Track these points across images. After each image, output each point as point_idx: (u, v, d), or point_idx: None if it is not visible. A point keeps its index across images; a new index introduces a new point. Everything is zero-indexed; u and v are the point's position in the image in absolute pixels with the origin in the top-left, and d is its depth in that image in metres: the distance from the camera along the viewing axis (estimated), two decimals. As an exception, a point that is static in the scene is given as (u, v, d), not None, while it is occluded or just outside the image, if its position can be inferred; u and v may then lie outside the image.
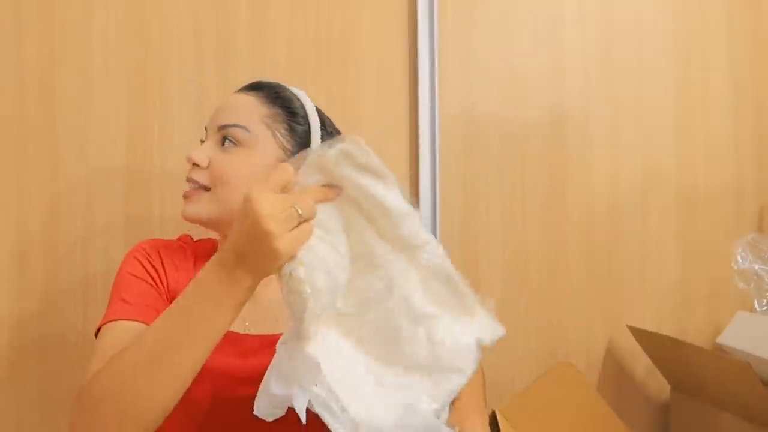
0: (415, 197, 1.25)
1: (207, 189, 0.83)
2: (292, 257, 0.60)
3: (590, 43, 1.35)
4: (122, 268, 0.83)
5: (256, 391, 0.64)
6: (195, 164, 0.84)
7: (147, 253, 0.84)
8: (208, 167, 0.83)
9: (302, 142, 0.88)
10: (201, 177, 0.84)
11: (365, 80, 1.25)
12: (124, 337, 0.71)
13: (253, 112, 0.85)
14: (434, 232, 1.24)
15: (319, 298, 0.61)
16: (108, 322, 0.76)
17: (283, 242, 0.59)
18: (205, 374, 0.68)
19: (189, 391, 0.65)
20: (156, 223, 1.14)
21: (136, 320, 0.75)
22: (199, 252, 0.91)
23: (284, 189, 0.62)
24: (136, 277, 0.81)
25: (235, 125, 0.84)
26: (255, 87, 0.89)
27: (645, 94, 1.38)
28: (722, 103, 1.41)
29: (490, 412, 1.13)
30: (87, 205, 1.12)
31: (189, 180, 0.84)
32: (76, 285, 1.11)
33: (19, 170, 1.10)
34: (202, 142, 0.88)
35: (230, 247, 0.62)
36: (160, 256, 0.85)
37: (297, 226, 0.60)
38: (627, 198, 1.36)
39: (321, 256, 0.62)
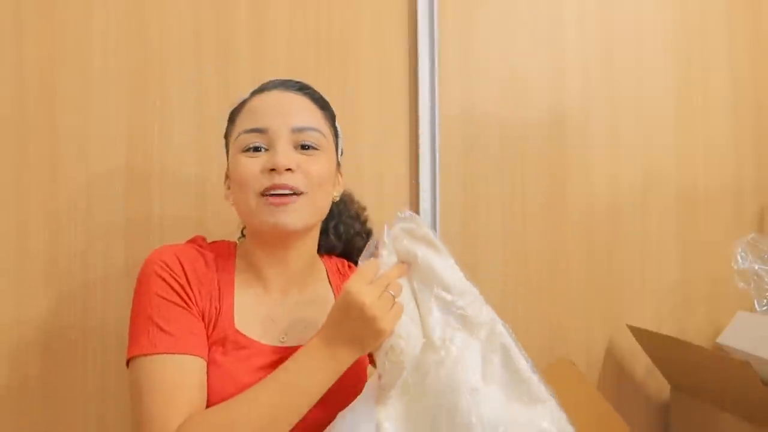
0: (415, 197, 1.25)
1: (298, 194, 0.80)
2: (392, 332, 0.72)
3: (590, 43, 1.35)
4: (147, 286, 0.78)
5: None
6: (288, 169, 0.79)
7: (170, 270, 0.79)
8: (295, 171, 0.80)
9: (337, 143, 0.90)
10: (296, 182, 0.80)
11: (365, 80, 1.25)
12: (181, 374, 0.74)
13: (317, 114, 0.85)
14: (434, 233, 1.24)
15: (409, 367, 0.72)
16: (152, 354, 0.74)
17: (386, 322, 0.71)
18: (244, 388, 0.72)
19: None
20: (156, 223, 1.14)
21: (184, 353, 0.74)
22: (219, 257, 0.86)
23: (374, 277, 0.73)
24: (168, 300, 0.77)
25: (314, 129, 0.82)
26: (302, 87, 0.86)
27: (645, 94, 1.38)
28: (722, 103, 1.41)
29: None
30: (87, 205, 1.12)
31: (282, 186, 0.79)
32: (76, 285, 1.11)
33: (19, 170, 1.10)
34: (257, 149, 0.81)
35: (337, 333, 0.73)
36: (184, 272, 0.80)
37: (392, 306, 0.72)
38: (627, 198, 1.36)
39: (407, 329, 0.72)
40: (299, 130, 0.81)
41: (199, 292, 0.80)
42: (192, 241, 0.90)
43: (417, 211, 1.24)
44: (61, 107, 1.12)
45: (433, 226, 1.24)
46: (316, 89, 0.89)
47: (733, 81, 1.42)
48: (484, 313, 0.77)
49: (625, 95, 1.37)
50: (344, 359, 0.73)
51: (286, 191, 0.79)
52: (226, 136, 0.89)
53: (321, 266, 0.95)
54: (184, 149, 1.16)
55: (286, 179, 0.79)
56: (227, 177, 0.90)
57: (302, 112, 0.83)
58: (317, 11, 1.23)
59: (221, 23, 1.19)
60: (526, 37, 1.33)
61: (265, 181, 0.79)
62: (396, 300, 0.73)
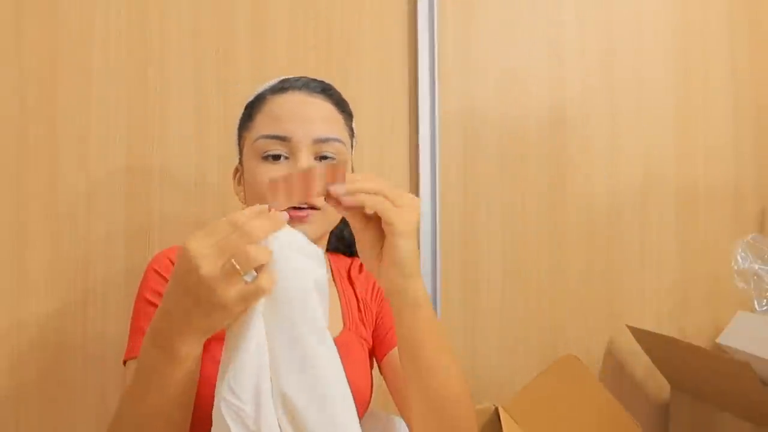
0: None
1: (316, 208, 0.78)
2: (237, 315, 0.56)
3: (590, 43, 1.35)
4: (140, 292, 0.81)
5: None
6: None
7: (161, 274, 0.81)
8: None
9: (353, 143, 0.89)
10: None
11: (365, 80, 1.25)
12: None
13: (338, 121, 0.84)
14: (434, 233, 1.24)
15: None
16: (133, 357, 0.77)
17: (227, 298, 0.53)
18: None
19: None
20: (156, 224, 1.14)
21: None
22: None
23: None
24: (154, 304, 0.79)
25: (336, 139, 0.80)
26: (325, 89, 0.84)
27: (645, 94, 1.38)
28: (722, 103, 1.41)
29: (492, 408, 1.13)
30: (87, 205, 1.12)
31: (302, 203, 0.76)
32: (76, 285, 1.11)
33: (18, 172, 1.10)
34: (277, 157, 0.79)
35: (162, 316, 0.57)
36: None
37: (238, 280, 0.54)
38: (627, 198, 1.36)
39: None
40: (322, 140, 0.79)
41: None
42: None
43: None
44: (61, 107, 1.12)
45: (433, 226, 1.24)
46: (335, 88, 0.87)
47: (734, 81, 1.42)
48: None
49: (625, 95, 1.37)
50: (180, 350, 0.57)
51: (304, 206, 0.78)
52: (241, 128, 0.87)
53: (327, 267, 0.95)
54: (184, 150, 1.16)
55: None
56: (238, 171, 0.89)
57: (325, 120, 0.81)
58: (317, 11, 1.23)
59: (221, 23, 1.19)
60: (526, 37, 1.33)
61: None
62: (244, 276, 0.54)
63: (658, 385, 1.34)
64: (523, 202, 1.31)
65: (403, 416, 0.83)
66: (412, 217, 0.62)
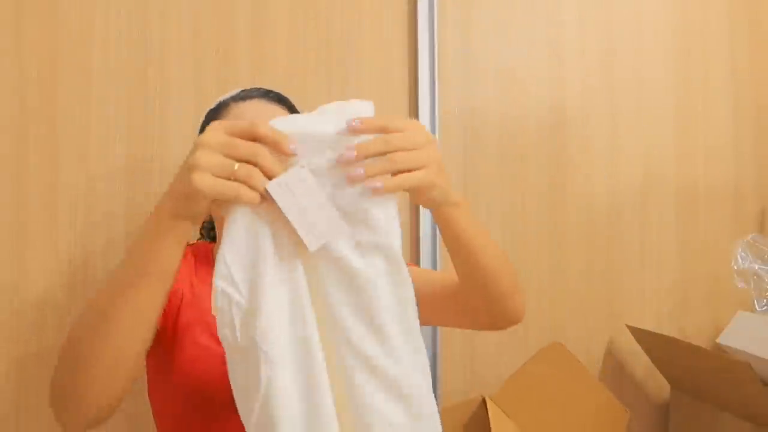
0: (415, 197, 1.25)
1: None
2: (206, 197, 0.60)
3: (590, 43, 1.35)
4: None
5: None
6: None
7: None
8: None
9: None
10: None
11: (365, 80, 1.25)
12: None
13: None
14: (434, 234, 1.24)
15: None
16: None
17: (201, 179, 0.59)
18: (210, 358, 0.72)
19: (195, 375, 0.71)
20: (156, 223, 1.14)
21: None
22: (197, 256, 0.90)
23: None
24: None
25: None
26: (281, 99, 0.91)
27: (645, 94, 1.38)
28: (722, 103, 1.41)
29: (480, 399, 1.13)
30: (87, 205, 1.12)
31: None
32: (76, 285, 1.11)
33: (19, 172, 1.10)
34: None
35: (145, 226, 0.64)
36: None
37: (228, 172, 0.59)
38: (627, 198, 1.36)
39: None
40: None
41: (175, 289, 0.82)
42: None
43: (417, 212, 1.24)
44: (61, 107, 1.12)
45: (433, 228, 1.24)
46: (291, 101, 0.93)
47: (734, 81, 1.42)
48: None
49: (625, 95, 1.37)
50: (164, 221, 0.64)
51: None
52: (202, 132, 0.88)
53: None
54: (184, 149, 1.16)
55: None
56: None
57: None
58: (317, 11, 1.23)
59: (221, 23, 1.19)
60: (526, 37, 1.33)
61: None
62: (237, 171, 0.59)
63: (658, 385, 1.34)
64: (523, 202, 1.31)
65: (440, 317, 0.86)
66: (428, 159, 0.64)
